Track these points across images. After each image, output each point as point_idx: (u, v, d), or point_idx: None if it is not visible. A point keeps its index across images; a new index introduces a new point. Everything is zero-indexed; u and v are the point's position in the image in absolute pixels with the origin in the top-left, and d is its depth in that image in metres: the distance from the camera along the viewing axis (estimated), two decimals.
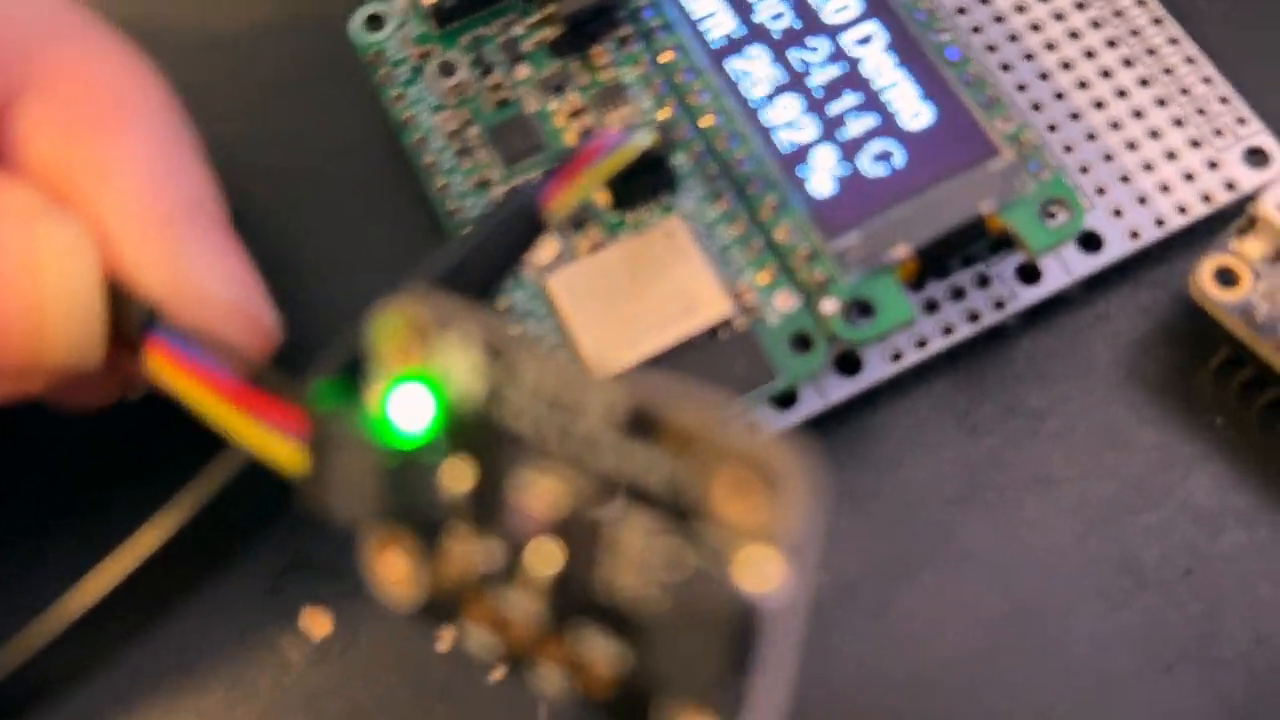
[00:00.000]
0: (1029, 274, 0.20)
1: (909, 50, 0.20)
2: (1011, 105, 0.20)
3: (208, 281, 0.16)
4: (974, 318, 0.20)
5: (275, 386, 0.14)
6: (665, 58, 0.20)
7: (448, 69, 0.20)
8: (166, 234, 0.16)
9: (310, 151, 0.22)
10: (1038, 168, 0.19)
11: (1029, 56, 0.22)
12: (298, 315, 0.19)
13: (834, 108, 0.19)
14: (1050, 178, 0.19)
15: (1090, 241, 0.20)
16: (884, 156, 0.19)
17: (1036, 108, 0.21)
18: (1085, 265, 0.20)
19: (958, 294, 0.20)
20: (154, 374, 0.15)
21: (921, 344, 0.20)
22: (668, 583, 0.11)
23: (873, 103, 0.19)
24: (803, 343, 0.18)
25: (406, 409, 0.12)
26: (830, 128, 0.19)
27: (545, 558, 0.11)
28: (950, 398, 0.20)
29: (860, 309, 0.18)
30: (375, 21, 0.21)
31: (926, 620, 0.18)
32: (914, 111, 0.19)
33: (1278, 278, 0.19)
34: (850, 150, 0.19)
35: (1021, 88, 0.22)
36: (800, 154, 0.19)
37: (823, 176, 0.19)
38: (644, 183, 0.19)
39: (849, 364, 0.19)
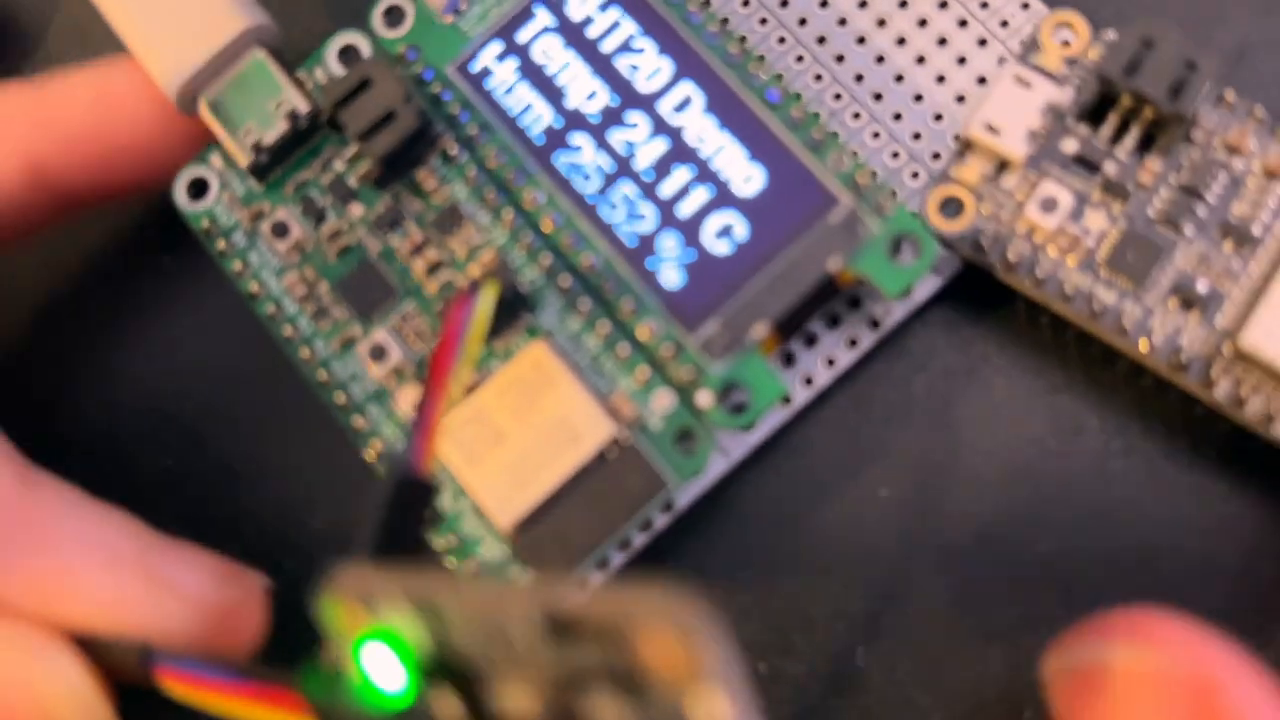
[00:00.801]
0: None
1: (728, 107, 0.19)
2: (845, 135, 0.20)
3: (191, 590, 0.18)
4: (853, 343, 0.20)
5: (272, 677, 0.15)
6: (491, 163, 0.20)
7: (281, 230, 0.20)
8: (130, 571, 0.18)
9: (167, 344, 0.22)
10: (880, 202, 0.18)
11: (861, 40, 0.21)
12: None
13: (666, 187, 0.19)
14: (894, 212, 0.18)
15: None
16: (725, 231, 0.19)
17: (879, 97, 0.21)
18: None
19: (834, 321, 0.20)
20: (172, 694, 0.16)
21: (809, 381, 0.20)
22: None
23: (704, 173, 0.19)
24: (687, 438, 0.19)
25: (380, 669, 0.14)
26: (667, 211, 0.19)
27: None
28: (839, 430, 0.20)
29: (734, 393, 0.18)
30: (199, 187, 0.21)
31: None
32: (745, 175, 0.19)
33: (1001, 195, 0.19)
34: (691, 232, 0.19)
35: (859, 77, 0.21)
36: (645, 246, 0.19)
37: (670, 267, 0.19)
38: (499, 318, 0.19)
39: None
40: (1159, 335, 0.18)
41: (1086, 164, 0.19)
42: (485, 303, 0.18)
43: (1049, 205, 0.19)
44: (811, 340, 0.20)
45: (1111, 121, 0.19)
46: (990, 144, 0.19)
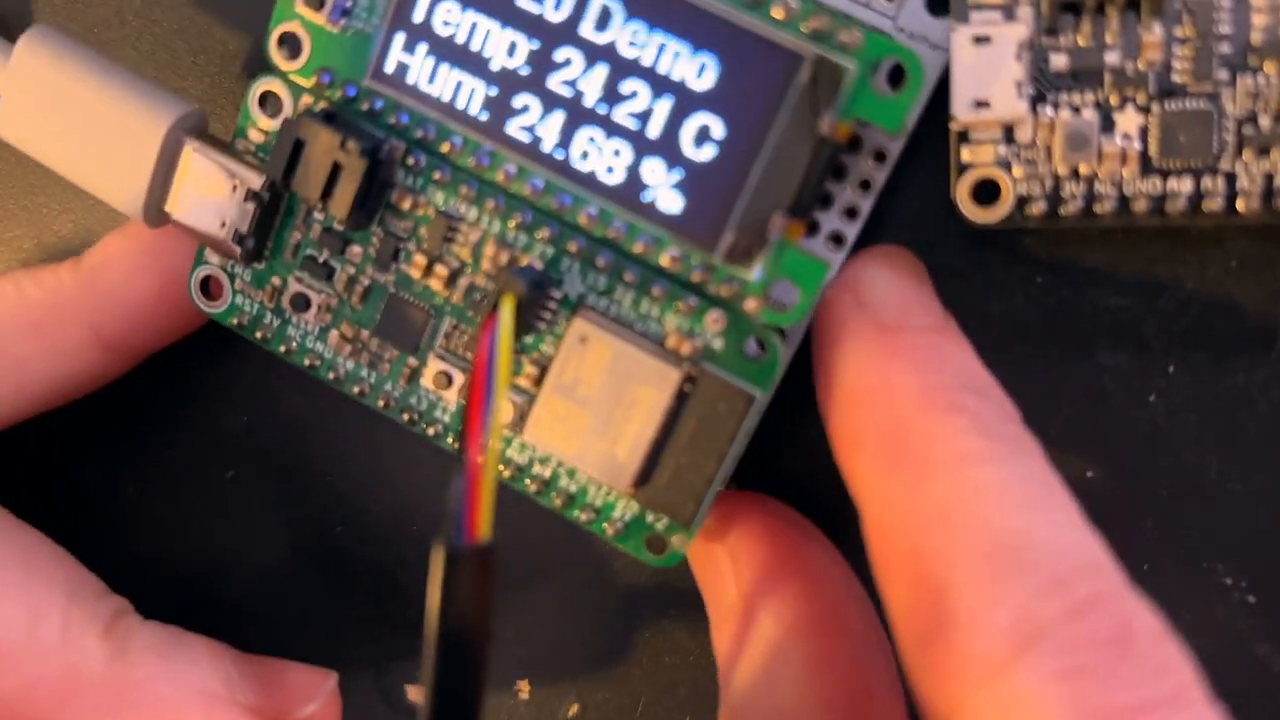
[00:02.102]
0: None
1: (649, 2, 0.17)
2: None
3: (276, 713, 0.20)
4: (880, 156, 0.19)
5: None
6: (451, 155, 0.19)
7: (301, 302, 0.20)
8: (222, 709, 0.20)
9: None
10: (844, 38, 0.17)
11: None
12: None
13: (624, 114, 0.18)
14: (862, 41, 0.17)
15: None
16: (703, 135, 0.18)
17: None
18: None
19: (840, 173, 0.19)
20: None
21: (851, 213, 0.19)
22: None
23: (656, 83, 0.18)
24: (758, 346, 0.18)
25: None
26: (637, 137, 0.18)
27: None
28: None
29: (779, 289, 0.18)
30: (211, 283, 0.21)
31: None
32: (697, 69, 0.17)
33: (1025, 152, 0.16)
34: (670, 149, 0.18)
35: None
36: (632, 180, 0.18)
37: (665, 192, 0.18)
38: (531, 307, 0.19)
39: None
40: (1252, 191, 0.17)
41: (1087, 73, 0.17)
42: (505, 321, 0.18)
43: (1078, 140, 0.17)
44: (825, 199, 0.19)
45: (1086, 20, 0.17)
46: (987, 119, 0.17)
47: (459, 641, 0.16)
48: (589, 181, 0.18)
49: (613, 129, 0.18)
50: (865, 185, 0.18)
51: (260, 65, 0.20)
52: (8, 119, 0.20)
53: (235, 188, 0.20)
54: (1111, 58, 0.17)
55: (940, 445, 0.16)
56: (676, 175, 0.18)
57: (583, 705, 0.23)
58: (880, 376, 0.17)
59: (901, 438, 0.16)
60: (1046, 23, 0.17)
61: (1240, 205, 0.17)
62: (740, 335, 0.18)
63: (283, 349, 0.21)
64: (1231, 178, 0.17)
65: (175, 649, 0.20)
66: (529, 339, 0.19)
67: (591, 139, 0.18)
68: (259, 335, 0.21)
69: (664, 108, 0.18)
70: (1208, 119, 0.17)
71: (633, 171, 0.18)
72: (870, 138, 0.18)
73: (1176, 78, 0.17)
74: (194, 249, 0.21)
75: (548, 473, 0.20)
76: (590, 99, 0.18)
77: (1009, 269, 0.19)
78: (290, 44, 0.19)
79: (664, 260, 0.18)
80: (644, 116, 0.18)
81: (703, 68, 0.17)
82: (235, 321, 0.21)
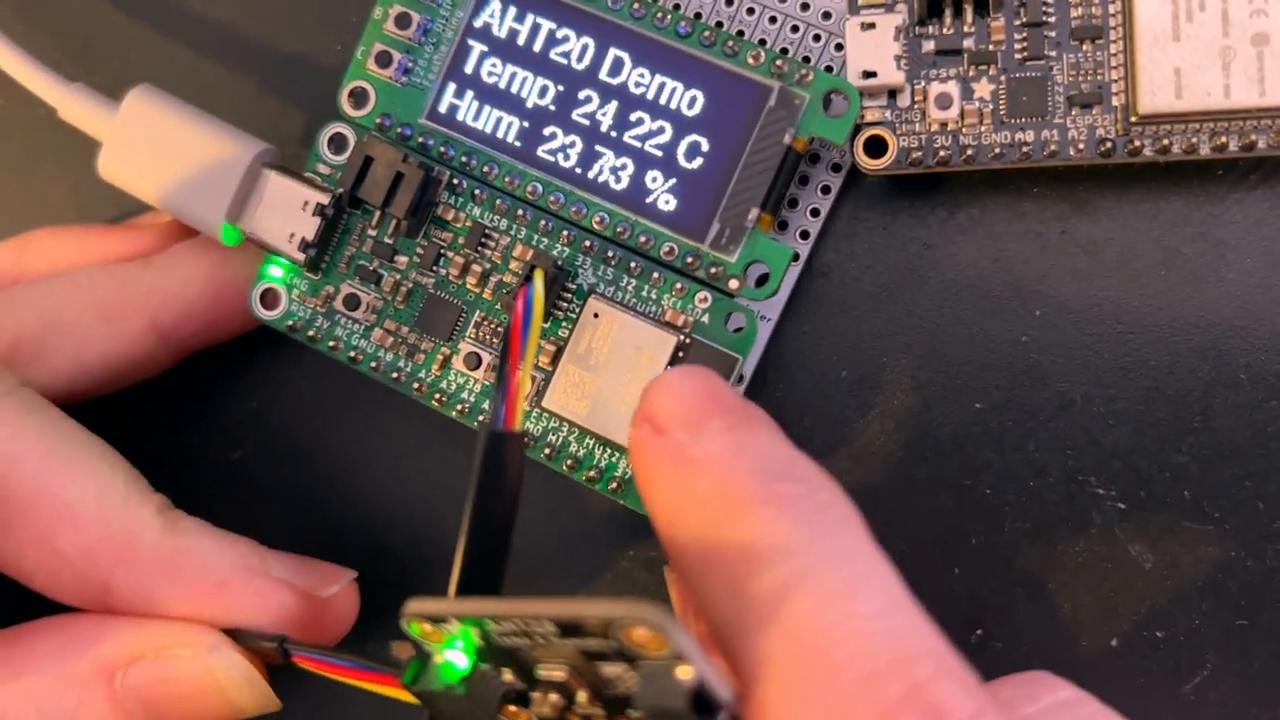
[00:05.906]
0: None
1: (652, 53, 0.23)
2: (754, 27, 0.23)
3: (303, 588, 0.23)
4: (826, 190, 0.24)
5: (374, 666, 0.20)
6: (489, 176, 0.24)
7: (352, 301, 0.24)
8: (259, 578, 0.22)
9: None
10: (801, 75, 0.22)
11: None
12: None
13: (632, 137, 0.23)
14: (813, 79, 0.22)
15: None
16: (694, 150, 0.23)
17: None
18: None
19: (804, 180, 0.24)
20: (309, 670, 0.22)
21: (805, 235, 0.24)
22: (644, 693, 0.16)
23: (657, 112, 0.23)
24: (735, 318, 0.23)
25: (454, 656, 0.18)
26: (641, 155, 0.23)
27: (580, 692, 0.17)
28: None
29: (755, 270, 0.22)
30: (269, 296, 0.25)
31: None
32: (689, 100, 0.23)
33: (904, 113, 0.23)
34: (667, 162, 0.23)
35: None
36: (637, 188, 0.23)
37: (663, 196, 0.23)
38: (552, 295, 0.23)
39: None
40: (1080, 139, 0.22)
41: (949, 53, 0.23)
42: (539, 285, 0.22)
43: (944, 101, 0.23)
44: (794, 202, 0.24)
45: (948, 12, 0.23)
46: (873, 85, 0.23)
47: (494, 506, 0.19)
48: (601, 191, 0.23)
49: (622, 149, 0.23)
50: (825, 190, 0.24)
51: (324, 111, 0.24)
52: (109, 161, 0.25)
53: (305, 204, 0.24)
54: (968, 44, 0.23)
55: (748, 544, 0.16)
56: (673, 182, 0.23)
57: None
58: (683, 494, 0.18)
59: (714, 545, 0.17)
60: (918, 16, 0.23)
61: (1071, 151, 0.22)
62: (724, 312, 0.23)
63: (330, 344, 0.24)
64: (1064, 129, 0.22)
65: (218, 531, 0.23)
66: (546, 325, 0.23)
67: (604, 157, 0.23)
68: (310, 335, 0.24)
69: (665, 131, 0.23)
70: (1043, 85, 0.22)
71: (638, 181, 0.23)
72: (827, 155, 0.24)
73: (1017, 55, 0.23)
74: (248, 263, 0.25)
75: (559, 441, 0.23)
76: (604, 127, 0.23)
77: (907, 252, 0.24)
78: (358, 96, 0.24)
79: (662, 251, 0.23)
80: (647, 138, 0.23)
81: (694, 99, 0.23)
82: (289, 325, 0.24)
